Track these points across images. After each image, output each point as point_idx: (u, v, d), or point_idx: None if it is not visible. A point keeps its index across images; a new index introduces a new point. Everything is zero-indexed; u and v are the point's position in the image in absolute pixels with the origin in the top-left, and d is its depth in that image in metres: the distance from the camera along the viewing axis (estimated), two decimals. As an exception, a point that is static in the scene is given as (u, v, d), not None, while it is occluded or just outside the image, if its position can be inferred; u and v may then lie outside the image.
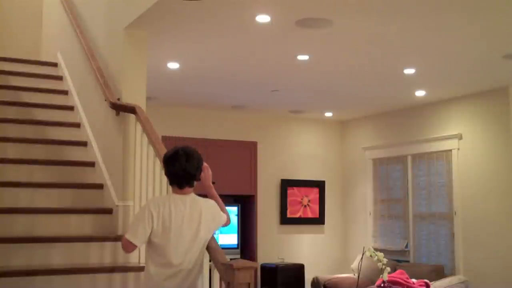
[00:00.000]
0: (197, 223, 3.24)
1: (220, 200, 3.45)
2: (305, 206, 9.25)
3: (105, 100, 4.72)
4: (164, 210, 3.20)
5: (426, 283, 6.65)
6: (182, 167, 3.26)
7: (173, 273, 3.19)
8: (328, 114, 9.10)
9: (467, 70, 6.36)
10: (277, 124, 9.20)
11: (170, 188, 3.39)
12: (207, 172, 3.43)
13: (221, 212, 3.40)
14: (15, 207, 4.35)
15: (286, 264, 8.53)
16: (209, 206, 3.35)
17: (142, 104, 4.58)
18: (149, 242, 3.23)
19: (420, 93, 7.44)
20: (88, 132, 5.29)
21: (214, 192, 3.46)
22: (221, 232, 8.11)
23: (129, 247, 3.27)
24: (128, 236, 3.23)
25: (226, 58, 5.99)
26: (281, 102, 8.16)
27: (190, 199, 3.29)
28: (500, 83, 6.90)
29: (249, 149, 8.89)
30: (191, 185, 3.31)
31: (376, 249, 6.11)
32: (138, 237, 3.20)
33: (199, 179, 3.37)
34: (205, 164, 3.41)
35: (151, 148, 4.13)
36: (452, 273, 7.44)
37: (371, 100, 8.06)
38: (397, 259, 8.10)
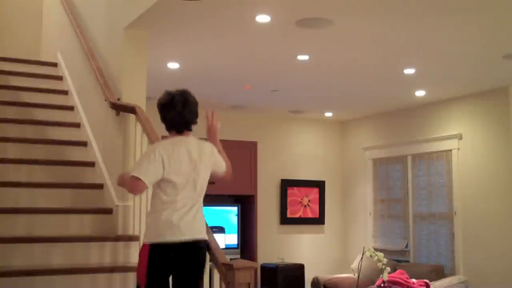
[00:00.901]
0: (199, 164, 3.27)
1: (223, 152, 3.50)
2: (305, 206, 9.24)
3: (105, 100, 4.72)
4: (173, 154, 3.21)
5: (426, 283, 6.66)
6: (179, 113, 3.27)
7: (184, 208, 3.21)
8: (328, 114, 9.09)
9: (467, 70, 6.35)
10: (277, 124, 9.19)
11: None
12: (214, 122, 3.52)
13: (219, 155, 3.44)
14: (15, 207, 4.35)
15: (286, 264, 8.52)
16: (208, 147, 3.39)
17: (142, 104, 4.59)
18: (157, 184, 3.23)
19: (420, 93, 7.44)
20: (88, 132, 5.29)
21: (219, 143, 3.51)
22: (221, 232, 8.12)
23: (140, 186, 3.18)
24: (137, 174, 3.16)
25: (226, 58, 5.98)
26: (281, 102, 8.15)
27: (193, 142, 3.31)
28: (500, 83, 6.90)
29: (249, 149, 8.89)
30: (189, 129, 3.33)
31: (376, 249, 6.12)
32: (148, 176, 3.16)
33: (196, 123, 3.37)
34: (210, 112, 3.49)
35: (151, 148, 4.14)
36: (452, 273, 7.44)
37: (371, 100, 8.06)
38: (397, 259, 8.10)
